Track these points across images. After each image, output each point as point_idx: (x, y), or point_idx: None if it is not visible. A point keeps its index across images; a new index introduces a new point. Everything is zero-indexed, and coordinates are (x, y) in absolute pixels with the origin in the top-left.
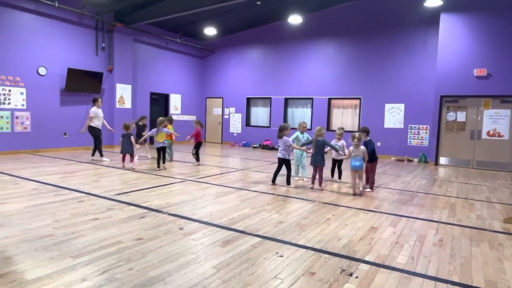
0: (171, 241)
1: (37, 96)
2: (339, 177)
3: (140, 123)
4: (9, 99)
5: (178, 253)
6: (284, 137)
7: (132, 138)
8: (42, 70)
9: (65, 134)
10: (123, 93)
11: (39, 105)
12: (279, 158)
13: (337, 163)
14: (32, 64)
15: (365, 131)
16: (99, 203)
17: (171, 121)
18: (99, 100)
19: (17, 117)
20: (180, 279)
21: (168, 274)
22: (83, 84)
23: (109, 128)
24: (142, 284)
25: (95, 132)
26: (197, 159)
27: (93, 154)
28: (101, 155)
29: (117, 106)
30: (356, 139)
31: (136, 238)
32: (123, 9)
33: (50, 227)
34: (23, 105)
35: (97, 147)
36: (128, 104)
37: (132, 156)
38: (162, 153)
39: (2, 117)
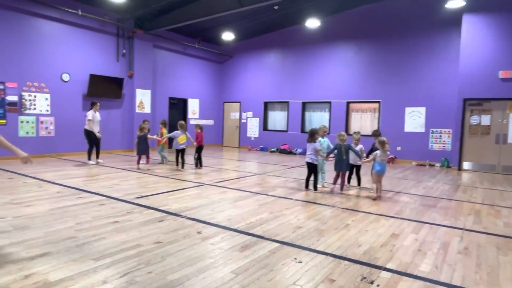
0: (190, 245)
1: (61, 102)
2: (359, 184)
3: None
4: (34, 104)
5: (197, 257)
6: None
7: (149, 137)
8: (65, 76)
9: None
10: (143, 98)
11: (62, 110)
12: (307, 163)
13: (354, 169)
14: (56, 71)
15: (378, 134)
16: (119, 206)
17: (165, 125)
18: (98, 104)
19: (41, 122)
20: (198, 283)
21: (187, 278)
22: (105, 90)
23: (99, 134)
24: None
25: (88, 136)
26: (200, 164)
27: (97, 157)
28: (89, 159)
29: (137, 111)
30: (387, 145)
31: (155, 242)
32: (143, 16)
33: (72, 230)
34: (47, 110)
35: (88, 149)
36: (147, 109)
37: (147, 158)
38: (181, 155)
39: (28, 122)
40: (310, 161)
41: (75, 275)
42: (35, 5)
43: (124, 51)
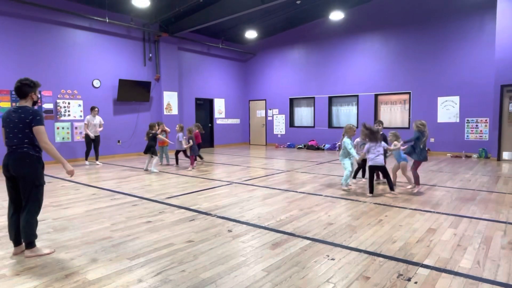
0: (221, 243)
1: None
2: (363, 175)
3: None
4: (68, 111)
5: (228, 256)
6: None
7: (191, 141)
8: (96, 83)
9: (118, 141)
10: (170, 100)
11: None
12: (376, 166)
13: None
14: (88, 78)
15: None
16: (151, 207)
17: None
18: (95, 108)
19: (76, 128)
20: (231, 281)
21: (219, 277)
22: (133, 94)
23: (92, 135)
24: (195, 286)
25: (87, 139)
26: (200, 157)
27: (96, 159)
28: (85, 159)
29: (165, 113)
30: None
31: (187, 241)
32: (167, 19)
33: (108, 230)
34: (81, 116)
35: (86, 151)
36: (175, 111)
37: (193, 159)
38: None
39: (63, 128)
40: (381, 164)
41: (112, 274)
42: (66, 16)
43: (150, 55)
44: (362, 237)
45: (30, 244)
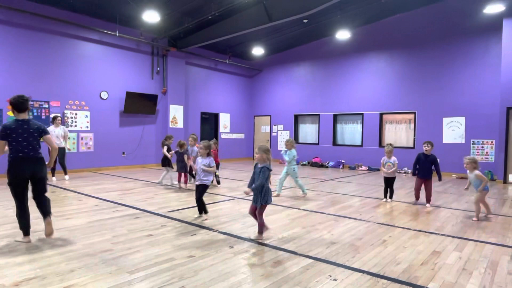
0: (222, 259)
1: (99, 118)
2: (391, 197)
3: (167, 143)
4: (75, 121)
5: (229, 272)
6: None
7: (185, 157)
8: (104, 94)
9: (123, 153)
10: (176, 114)
11: (101, 127)
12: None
13: (388, 181)
14: (96, 89)
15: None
16: (153, 220)
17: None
18: (58, 118)
19: (82, 138)
20: None
21: None
22: (140, 106)
23: (68, 147)
24: None
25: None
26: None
27: (65, 173)
28: (52, 175)
29: (170, 126)
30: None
31: (188, 256)
32: (176, 34)
33: (109, 242)
34: (87, 127)
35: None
36: (180, 124)
37: (185, 176)
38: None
39: (69, 138)
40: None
41: (111, 287)
42: (77, 29)
43: (158, 68)
44: (366, 257)
45: (50, 213)
